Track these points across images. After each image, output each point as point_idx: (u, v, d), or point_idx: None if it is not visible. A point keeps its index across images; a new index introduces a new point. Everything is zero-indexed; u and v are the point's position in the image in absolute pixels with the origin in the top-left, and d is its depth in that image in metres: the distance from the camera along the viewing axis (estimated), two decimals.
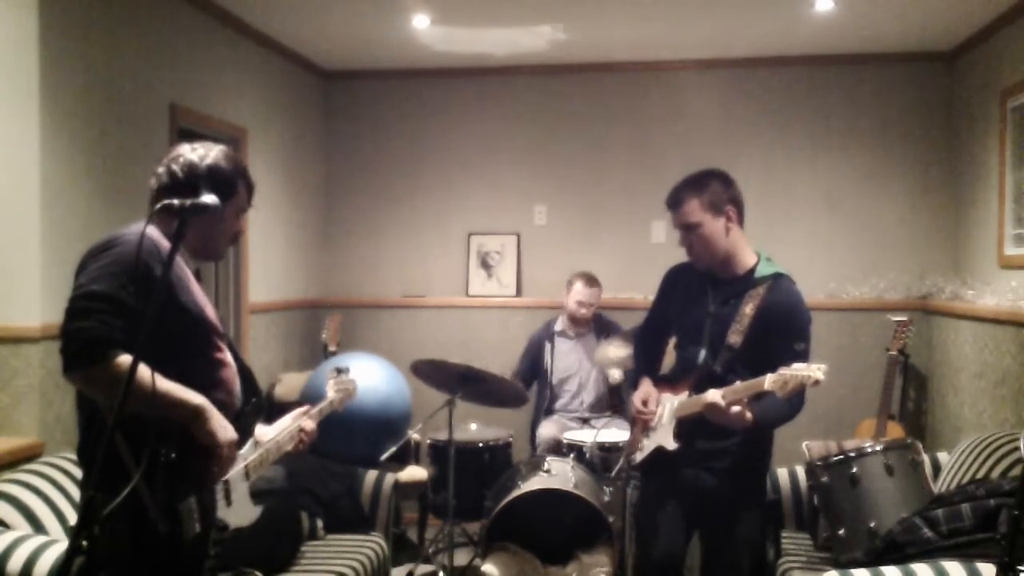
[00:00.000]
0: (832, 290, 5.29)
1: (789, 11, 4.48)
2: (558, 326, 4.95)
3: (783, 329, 2.81)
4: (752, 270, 2.92)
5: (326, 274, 5.84)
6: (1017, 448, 3.21)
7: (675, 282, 3.14)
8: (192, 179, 2.19)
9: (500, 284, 5.67)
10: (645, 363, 3.21)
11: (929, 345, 5.17)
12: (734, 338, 2.84)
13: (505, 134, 5.68)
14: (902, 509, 3.00)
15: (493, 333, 5.58)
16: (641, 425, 3.11)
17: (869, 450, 3.19)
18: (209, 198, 2.02)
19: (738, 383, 2.74)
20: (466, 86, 5.69)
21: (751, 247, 2.97)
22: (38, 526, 2.76)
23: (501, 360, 4.98)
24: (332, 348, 5.01)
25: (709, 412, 2.75)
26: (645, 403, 3.04)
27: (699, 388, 2.86)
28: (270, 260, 5.07)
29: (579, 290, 4.80)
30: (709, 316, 2.93)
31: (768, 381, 2.62)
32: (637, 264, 5.50)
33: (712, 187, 2.89)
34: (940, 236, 5.25)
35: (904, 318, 4.87)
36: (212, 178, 2.20)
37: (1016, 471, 3.08)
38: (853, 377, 5.18)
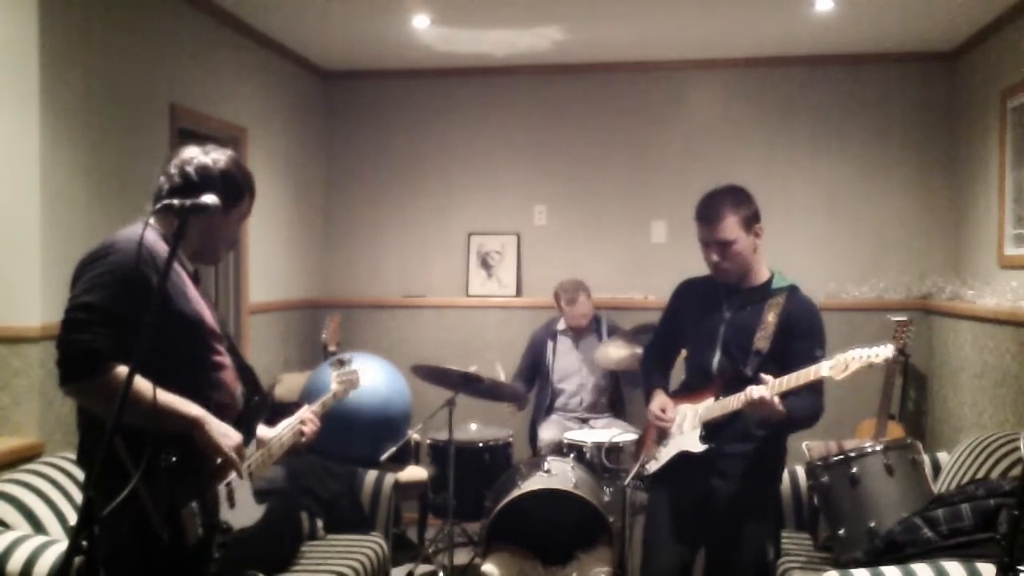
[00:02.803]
0: (832, 290, 5.29)
1: (789, 11, 4.48)
2: (560, 325, 4.96)
3: (804, 335, 2.86)
4: (768, 282, 2.98)
5: (326, 274, 5.84)
6: (1017, 448, 3.21)
7: (686, 296, 3.17)
8: (205, 182, 2.18)
9: (500, 284, 5.67)
10: (657, 377, 3.22)
11: (929, 345, 5.17)
12: (761, 343, 2.88)
13: (505, 134, 5.68)
14: (902, 509, 3.00)
15: (493, 333, 5.58)
16: (655, 435, 3.11)
17: (869, 450, 3.19)
18: (209, 198, 2.01)
19: (769, 378, 2.73)
20: (466, 86, 5.69)
21: (766, 263, 3.03)
22: (38, 526, 2.75)
23: (501, 360, 4.99)
24: (332, 348, 5.00)
25: (752, 407, 2.73)
26: (663, 411, 3.05)
27: (727, 392, 2.88)
28: (270, 260, 5.07)
29: (567, 311, 4.83)
30: (724, 322, 2.96)
31: (826, 368, 2.66)
32: (637, 264, 5.50)
33: (746, 204, 2.92)
34: (940, 236, 5.25)
35: (904, 318, 4.86)
36: (224, 183, 2.20)
37: (1016, 471, 3.08)
38: (853, 377, 5.16)
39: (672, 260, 5.23)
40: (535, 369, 4.95)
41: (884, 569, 2.58)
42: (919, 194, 5.29)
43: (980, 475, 3.26)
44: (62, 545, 2.53)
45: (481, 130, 5.70)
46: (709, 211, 2.91)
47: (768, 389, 2.71)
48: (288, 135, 5.30)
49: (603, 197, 5.59)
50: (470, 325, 5.65)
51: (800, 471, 3.75)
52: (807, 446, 3.59)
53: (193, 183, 2.18)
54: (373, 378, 4.29)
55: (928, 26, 4.71)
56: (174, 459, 1.99)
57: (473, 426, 4.74)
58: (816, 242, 5.36)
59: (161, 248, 2.12)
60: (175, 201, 1.94)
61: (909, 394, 5.20)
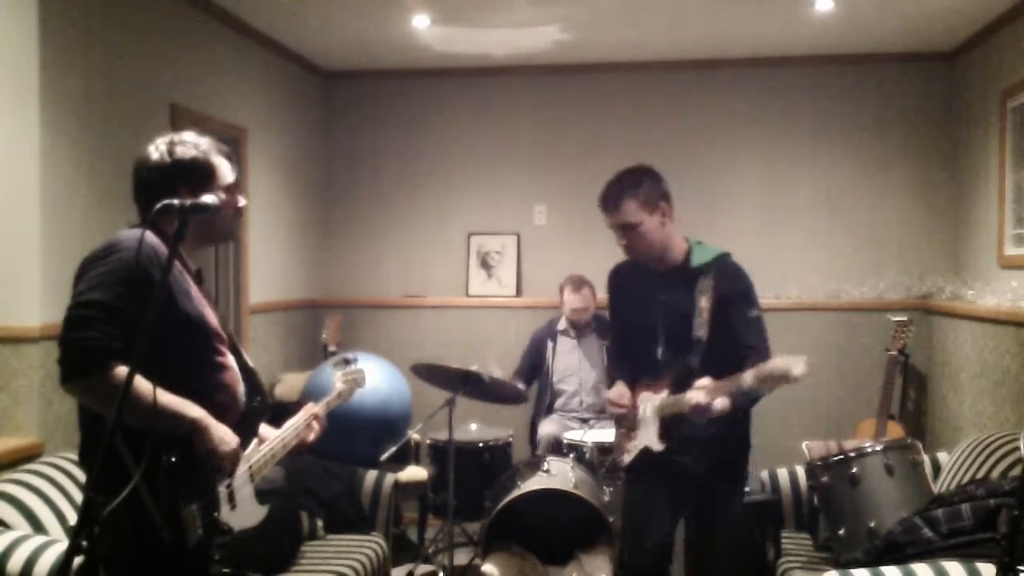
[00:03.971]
0: (832, 290, 5.29)
1: (789, 11, 4.48)
2: (560, 325, 4.98)
3: (737, 306, 2.88)
4: (687, 257, 2.97)
5: (326, 274, 5.84)
6: (1017, 448, 3.21)
7: (618, 282, 3.19)
8: (165, 178, 2.17)
9: (500, 284, 5.67)
10: (623, 374, 3.18)
11: (929, 345, 5.17)
12: (700, 332, 2.88)
13: (505, 134, 5.68)
14: (902, 509, 3.00)
15: (493, 333, 5.58)
16: (626, 426, 3.12)
17: (869, 450, 3.19)
18: (209, 198, 2.01)
19: (706, 380, 2.73)
20: (466, 86, 5.69)
21: (681, 235, 3.02)
22: (38, 526, 2.75)
23: (501, 360, 4.98)
24: (332, 348, 5.01)
25: (694, 413, 2.74)
26: (620, 398, 3.06)
27: (679, 385, 2.88)
28: (270, 260, 5.07)
29: (569, 299, 4.86)
30: (660, 306, 2.97)
31: (750, 377, 2.63)
32: None
33: (646, 185, 2.94)
34: (940, 236, 5.25)
35: (904, 318, 4.87)
36: (185, 171, 2.18)
37: (1016, 471, 3.08)
38: (853, 377, 5.18)
39: None
40: (535, 369, 4.96)
41: (884, 569, 2.58)
42: (919, 194, 5.29)
43: (980, 475, 3.26)
44: (62, 545, 2.53)
45: (481, 130, 5.70)
46: (607, 198, 2.97)
47: (706, 394, 2.70)
48: (288, 135, 5.30)
49: None
50: (470, 325, 5.65)
51: (800, 471, 3.75)
52: (807, 446, 3.59)
53: (153, 183, 2.17)
54: (373, 378, 4.28)
55: (928, 26, 4.71)
56: (174, 460, 1.99)
57: (473, 426, 4.74)
58: (816, 242, 5.36)
59: (165, 249, 2.12)
60: (175, 201, 1.93)
61: (909, 394, 5.20)
